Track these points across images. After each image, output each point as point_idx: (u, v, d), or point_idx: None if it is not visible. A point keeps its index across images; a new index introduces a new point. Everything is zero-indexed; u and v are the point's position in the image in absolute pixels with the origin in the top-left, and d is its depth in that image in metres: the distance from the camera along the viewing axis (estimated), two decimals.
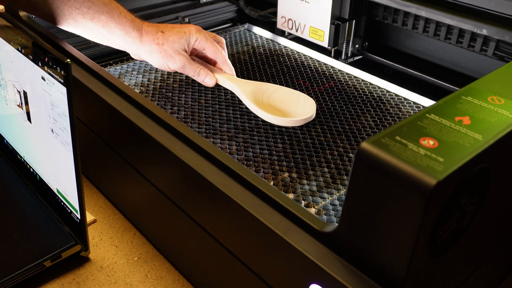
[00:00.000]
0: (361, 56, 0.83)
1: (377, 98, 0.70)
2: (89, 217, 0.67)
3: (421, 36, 0.73)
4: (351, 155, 0.57)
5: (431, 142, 0.34)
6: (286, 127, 0.62)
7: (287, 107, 0.62)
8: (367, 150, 0.33)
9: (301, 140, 0.60)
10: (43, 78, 0.55)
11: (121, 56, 0.82)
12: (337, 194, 0.51)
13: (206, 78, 0.69)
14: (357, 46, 0.82)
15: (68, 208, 0.61)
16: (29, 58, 0.57)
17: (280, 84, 0.73)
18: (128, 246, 0.64)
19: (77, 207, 0.59)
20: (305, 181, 0.53)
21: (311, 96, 0.67)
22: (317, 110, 0.66)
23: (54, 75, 0.53)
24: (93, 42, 0.80)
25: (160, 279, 0.59)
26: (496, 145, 0.35)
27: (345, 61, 0.82)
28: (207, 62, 0.72)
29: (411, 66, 0.77)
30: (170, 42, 0.67)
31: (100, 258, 0.62)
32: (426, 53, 0.75)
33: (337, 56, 0.82)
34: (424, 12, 0.66)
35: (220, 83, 0.69)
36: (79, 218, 0.59)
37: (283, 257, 0.42)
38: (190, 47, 0.69)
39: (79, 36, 0.81)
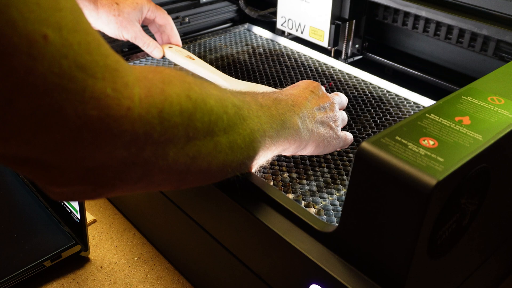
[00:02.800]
0: (361, 56, 0.83)
1: (377, 98, 0.70)
2: (89, 217, 0.67)
3: (421, 36, 0.72)
4: (351, 155, 0.57)
5: (431, 142, 0.34)
6: None
7: None
8: (367, 150, 0.33)
9: None
10: None
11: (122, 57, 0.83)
12: (337, 194, 0.51)
13: (154, 51, 0.76)
14: (357, 46, 0.82)
15: (68, 208, 0.61)
16: None
17: (280, 85, 0.73)
18: (128, 246, 0.64)
19: (77, 207, 0.59)
20: (305, 181, 0.53)
21: None
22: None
23: None
24: None
25: (160, 279, 0.59)
26: (496, 145, 0.35)
27: (345, 61, 0.82)
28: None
29: (411, 66, 0.77)
30: (126, 13, 0.71)
31: (100, 258, 0.62)
32: (426, 53, 0.75)
33: (337, 56, 0.82)
34: (424, 12, 0.66)
35: (208, 78, 0.71)
36: (79, 218, 0.59)
37: (283, 257, 0.42)
38: (142, 17, 0.74)
39: None
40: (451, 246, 0.37)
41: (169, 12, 0.96)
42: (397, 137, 0.34)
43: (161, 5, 0.98)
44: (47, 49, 0.24)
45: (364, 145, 0.34)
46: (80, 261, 0.61)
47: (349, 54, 0.82)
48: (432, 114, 0.37)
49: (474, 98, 0.40)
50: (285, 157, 0.57)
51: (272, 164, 0.55)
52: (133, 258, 0.62)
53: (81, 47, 0.26)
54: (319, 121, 0.50)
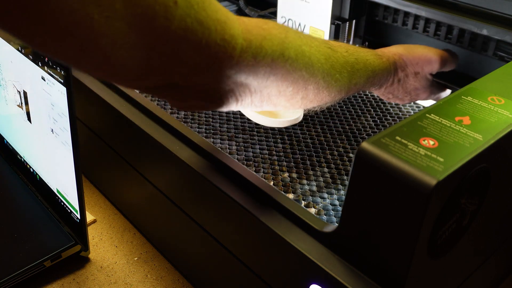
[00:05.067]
0: None
1: (377, 98, 0.70)
2: (89, 217, 0.67)
3: (421, 36, 0.72)
4: (351, 155, 0.57)
5: (431, 142, 0.34)
6: (285, 128, 0.63)
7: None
8: (367, 150, 0.33)
9: (301, 140, 0.60)
10: (43, 78, 0.55)
11: None
12: (337, 194, 0.51)
13: None
14: (357, 46, 0.82)
15: (68, 208, 0.61)
16: (29, 58, 0.57)
17: None
18: (128, 246, 0.64)
19: (77, 207, 0.59)
20: (305, 181, 0.53)
21: None
22: (317, 110, 0.66)
23: (54, 75, 0.53)
24: None
25: (160, 279, 0.59)
26: (496, 145, 0.35)
27: None
28: None
29: None
30: None
31: (100, 258, 0.62)
32: None
33: None
34: (424, 12, 0.66)
35: None
36: (79, 218, 0.59)
37: (283, 257, 0.42)
38: None
39: None
40: (451, 246, 0.37)
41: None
42: (397, 137, 0.34)
43: None
44: (177, 11, 0.32)
45: (364, 145, 0.34)
46: (80, 261, 0.61)
47: None
48: (432, 114, 0.37)
49: (474, 98, 0.40)
50: (285, 156, 0.57)
51: (272, 164, 0.55)
52: (133, 258, 0.62)
53: (199, 6, 0.33)
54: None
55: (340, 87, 0.47)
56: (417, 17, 0.69)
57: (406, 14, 0.70)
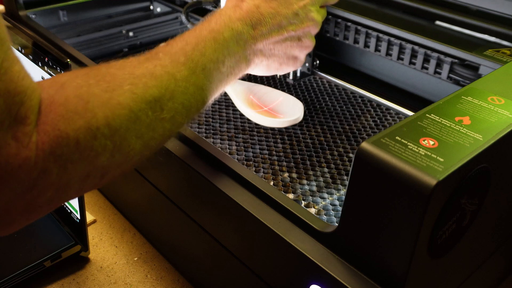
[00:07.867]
0: (312, 76, 0.77)
1: (378, 98, 0.70)
2: (89, 217, 0.67)
3: (375, 55, 0.69)
4: (351, 155, 0.57)
5: (431, 142, 0.34)
6: (285, 128, 0.63)
7: (276, 108, 0.62)
8: (367, 150, 0.33)
9: (301, 140, 0.60)
10: (43, 79, 0.55)
11: (121, 57, 0.82)
12: (337, 194, 0.51)
13: None
14: (307, 65, 0.75)
15: (68, 208, 0.61)
16: (29, 58, 0.57)
17: (280, 85, 0.73)
18: (128, 246, 0.64)
19: (77, 207, 0.59)
20: (305, 181, 0.53)
21: (300, 99, 0.66)
22: (317, 110, 0.66)
23: (54, 75, 0.53)
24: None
25: (160, 279, 0.59)
26: (496, 145, 0.35)
27: (293, 81, 0.75)
28: None
29: (365, 87, 0.71)
30: None
31: (100, 258, 0.62)
32: (382, 72, 0.71)
33: (285, 76, 0.76)
34: (379, 26, 0.63)
35: None
36: (79, 218, 0.59)
37: (283, 257, 0.42)
38: None
39: (79, 36, 0.79)
40: (451, 246, 0.37)
41: (170, 12, 0.96)
42: (397, 137, 0.34)
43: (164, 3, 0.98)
44: None
45: (364, 145, 0.34)
46: (80, 261, 0.61)
47: (298, 74, 0.75)
48: (432, 114, 0.37)
49: (474, 98, 0.40)
50: (285, 156, 0.57)
51: (272, 164, 0.55)
52: (133, 258, 0.62)
53: None
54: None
55: (188, 110, 0.40)
56: (368, 35, 0.67)
57: (357, 31, 0.67)
